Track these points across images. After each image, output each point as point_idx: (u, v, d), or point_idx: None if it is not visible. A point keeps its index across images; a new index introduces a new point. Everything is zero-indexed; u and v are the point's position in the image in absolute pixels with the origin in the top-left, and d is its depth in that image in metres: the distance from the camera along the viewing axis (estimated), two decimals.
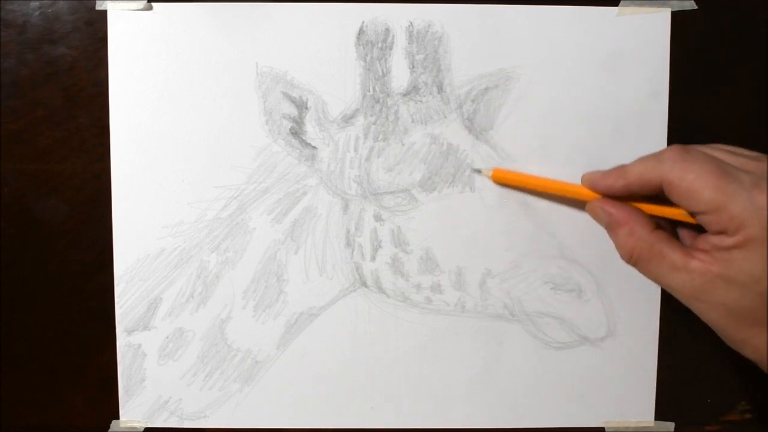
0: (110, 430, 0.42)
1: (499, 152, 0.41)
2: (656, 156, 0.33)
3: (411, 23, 0.40)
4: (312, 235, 0.41)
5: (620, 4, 0.40)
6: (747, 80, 0.41)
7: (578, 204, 0.41)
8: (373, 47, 0.40)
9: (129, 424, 0.42)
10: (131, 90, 0.40)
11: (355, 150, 0.41)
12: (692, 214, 0.32)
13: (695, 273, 0.31)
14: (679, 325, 0.42)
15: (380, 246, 0.41)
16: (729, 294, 0.30)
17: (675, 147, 0.33)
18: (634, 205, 0.35)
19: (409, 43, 0.40)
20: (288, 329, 0.42)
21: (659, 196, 0.34)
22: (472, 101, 0.41)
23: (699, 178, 0.31)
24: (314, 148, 0.41)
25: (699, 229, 0.34)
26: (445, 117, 0.41)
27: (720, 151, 0.33)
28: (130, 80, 0.40)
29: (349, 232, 0.41)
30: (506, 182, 0.40)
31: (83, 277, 0.42)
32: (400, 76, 0.40)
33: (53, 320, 0.42)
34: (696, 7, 0.40)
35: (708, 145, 0.34)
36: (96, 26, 0.40)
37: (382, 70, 0.40)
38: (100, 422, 0.42)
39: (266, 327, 0.42)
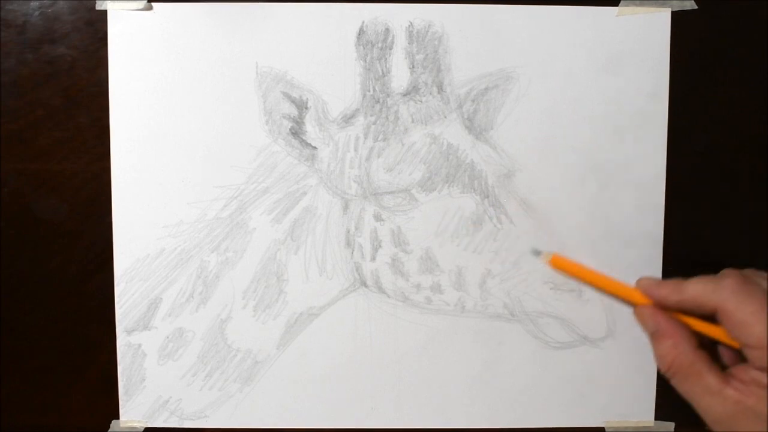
0: (110, 430, 0.42)
1: (499, 152, 0.41)
2: (716, 281, 0.33)
3: (411, 23, 0.40)
4: (312, 235, 0.41)
5: (620, 4, 0.40)
6: (747, 80, 0.41)
7: (578, 204, 0.41)
8: (373, 47, 0.40)
9: (129, 424, 0.42)
10: (131, 90, 0.40)
11: (355, 150, 0.41)
12: (740, 344, 0.33)
13: (729, 401, 0.32)
14: None
15: (380, 246, 0.41)
16: (756, 428, 0.31)
17: (735, 275, 0.33)
18: (683, 318, 0.35)
19: (409, 43, 0.40)
20: (288, 329, 0.42)
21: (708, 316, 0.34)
22: (472, 101, 0.41)
23: (754, 314, 0.31)
24: (314, 148, 0.41)
25: (740, 354, 0.34)
26: (445, 117, 0.41)
27: None
28: (130, 80, 0.40)
29: (349, 232, 0.41)
30: (562, 269, 0.40)
31: (83, 277, 0.42)
32: (400, 76, 0.40)
33: (53, 320, 0.42)
34: (696, 7, 0.40)
35: (763, 274, 0.34)
36: (96, 26, 0.40)
37: (382, 70, 0.40)
38: (100, 422, 0.42)
39: (266, 327, 0.42)
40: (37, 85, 0.41)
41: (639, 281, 0.37)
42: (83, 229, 0.41)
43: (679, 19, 0.40)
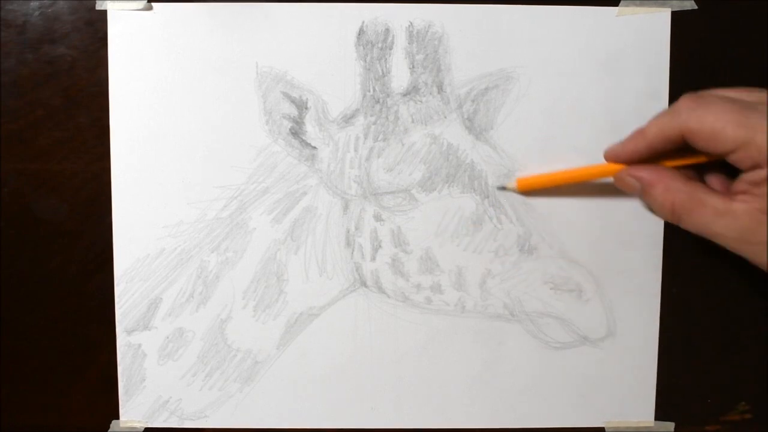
0: (110, 430, 0.42)
1: (499, 152, 0.41)
2: (671, 109, 0.33)
3: (411, 23, 0.40)
4: (312, 235, 0.41)
5: (620, 4, 0.40)
6: (747, 80, 0.41)
7: (578, 204, 0.41)
8: (373, 47, 0.40)
9: (129, 424, 0.42)
10: (131, 90, 0.40)
11: (355, 150, 0.41)
12: (721, 155, 0.32)
13: (739, 214, 0.31)
14: (679, 324, 0.42)
15: (380, 246, 0.41)
16: None
17: (687, 95, 0.32)
18: (662, 163, 0.35)
19: (409, 43, 0.40)
20: (288, 329, 0.42)
21: (682, 150, 0.34)
22: (472, 101, 0.41)
23: (719, 119, 0.30)
24: (314, 148, 0.41)
25: (729, 175, 0.33)
26: (445, 117, 0.41)
27: (731, 92, 0.33)
28: (130, 80, 0.40)
29: (349, 232, 0.41)
30: (533, 187, 0.40)
31: (83, 277, 0.42)
32: (400, 76, 0.40)
33: (53, 320, 0.42)
34: (696, 7, 0.40)
35: (718, 89, 0.34)
36: (96, 26, 0.40)
37: (382, 70, 0.40)
38: (100, 422, 0.42)
39: (266, 327, 0.42)
40: (37, 85, 0.41)
41: (605, 152, 0.37)
42: (83, 229, 0.41)
43: (679, 19, 0.40)
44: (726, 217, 0.31)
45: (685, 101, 0.32)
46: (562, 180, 0.39)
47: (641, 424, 0.42)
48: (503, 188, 0.40)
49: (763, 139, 0.29)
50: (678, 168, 0.35)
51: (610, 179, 0.37)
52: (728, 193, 0.32)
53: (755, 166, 0.30)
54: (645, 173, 0.34)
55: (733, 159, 0.31)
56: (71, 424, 0.43)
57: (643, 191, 0.35)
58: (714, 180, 0.35)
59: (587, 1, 0.40)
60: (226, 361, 0.42)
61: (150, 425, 0.42)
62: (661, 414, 0.42)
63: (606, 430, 0.42)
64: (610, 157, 0.36)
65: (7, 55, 0.41)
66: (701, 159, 0.34)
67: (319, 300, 0.41)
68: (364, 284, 0.41)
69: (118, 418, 0.42)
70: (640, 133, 0.34)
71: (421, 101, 0.41)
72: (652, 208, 0.35)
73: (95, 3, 0.40)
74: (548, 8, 0.40)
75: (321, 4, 0.40)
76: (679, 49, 0.40)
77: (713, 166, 0.35)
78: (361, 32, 0.40)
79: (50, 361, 0.42)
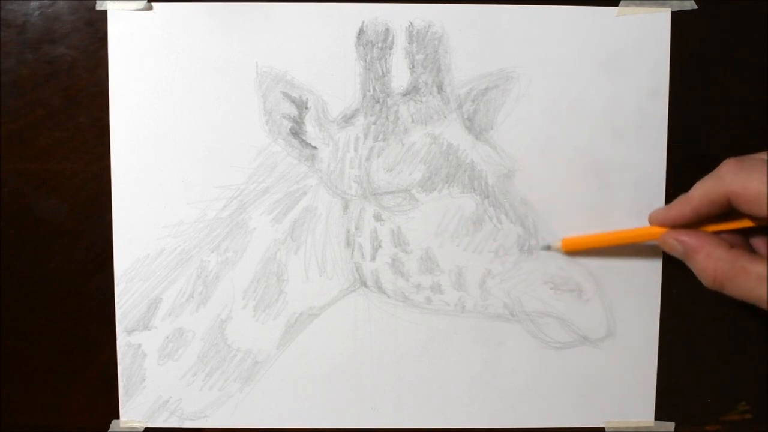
0: (110, 430, 0.42)
1: (499, 152, 0.41)
2: (714, 174, 0.34)
3: (411, 23, 0.40)
4: (312, 235, 0.41)
5: (620, 4, 0.40)
6: (747, 80, 0.41)
7: (578, 204, 0.41)
8: (373, 47, 0.40)
9: (129, 424, 0.42)
10: (131, 90, 0.40)
11: (355, 150, 0.41)
12: (764, 217, 0.32)
13: None
14: (679, 325, 0.42)
15: (380, 246, 0.41)
16: None
17: (730, 161, 0.33)
18: (707, 229, 0.35)
19: (409, 43, 0.40)
20: (288, 329, 0.42)
21: (727, 214, 0.34)
22: (472, 101, 0.41)
23: (762, 183, 0.31)
24: (314, 148, 0.41)
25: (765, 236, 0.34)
26: (445, 117, 0.41)
27: None
28: (130, 80, 0.40)
29: (349, 232, 0.41)
30: (577, 248, 0.40)
31: (83, 277, 0.42)
32: (400, 76, 0.40)
33: (53, 320, 0.42)
34: (696, 7, 0.40)
35: (757, 154, 0.34)
36: (96, 26, 0.40)
37: (382, 70, 0.40)
38: (100, 422, 0.42)
39: (266, 327, 0.42)
40: (37, 85, 0.41)
41: (650, 215, 0.37)
42: (83, 229, 0.41)
43: (679, 19, 0.40)
44: None
45: (729, 166, 0.33)
46: (607, 241, 0.39)
47: (641, 424, 0.42)
48: (548, 248, 0.40)
49: None
50: (723, 233, 0.35)
51: (654, 241, 0.38)
52: None
53: None
54: (688, 238, 0.35)
55: None
56: (71, 424, 0.43)
57: (687, 256, 0.35)
58: (760, 243, 0.36)
59: (587, 1, 0.40)
60: (226, 361, 0.42)
61: (150, 425, 0.42)
62: (661, 414, 0.42)
63: (606, 430, 0.42)
64: (656, 220, 0.37)
65: (7, 55, 0.41)
66: (746, 224, 0.34)
67: (319, 300, 0.41)
68: (364, 284, 0.41)
69: (118, 418, 0.42)
70: (685, 197, 0.35)
71: (421, 101, 0.41)
72: (695, 273, 0.35)
73: (95, 3, 0.40)
74: (548, 8, 0.40)
75: (321, 4, 0.40)
76: (679, 49, 0.40)
77: (761, 230, 0.35)
78: (361, 32, 0.40)
79: (50, 361, 0.42)
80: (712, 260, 0.34)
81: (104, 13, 0.40)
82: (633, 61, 0.40)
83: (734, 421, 0.42)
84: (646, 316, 0.41)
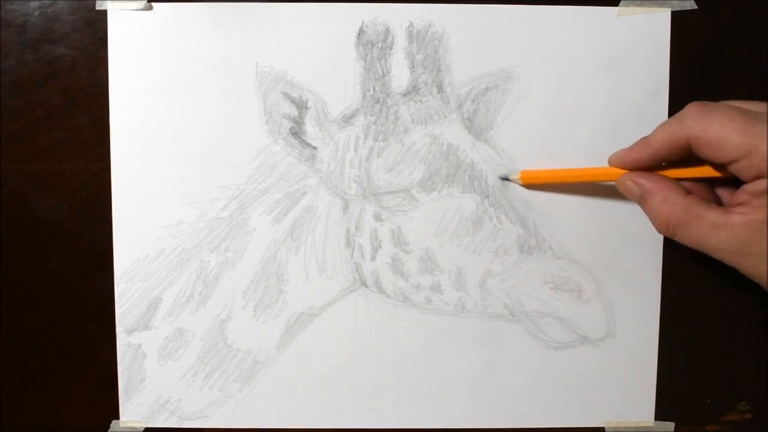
0: (110, 430, 0.42)
1: (499, 152, 0.41)
2: (677, 117, 0.33)
3: (411, 23, 0.40)
4: (312, 235, 0.41)
5: (620, 4, 0.40)
6: (747, 80, 0.41)
7: (578, 204, 0.41)
8: (373, 47, 0.40)
9: (129, 424, 0.42)
10: (131, 90, 0.40)
11: (355, 150, 0.41)
12: (725, 166, 0.31)
13: (737, 226, 0.30)
14: (679, 324, 0.42)
15: (380, 246, 0.41)
16: None
17: (694, 104, 0.32)
18: (664, 173, 0.35)
19: (409, 43, 0.40)
20: (288, 329, 0.42)
21: (686, 160, 0.34)
22: (472, 101, 0.41)
23: (724, 127, 0.30)
24: (314, 148, 0.41)
25: (733, 187, 0.33)
26: (445, 117, 0.41)
27: (738, 102, 0.33)
28: (130, 80, 0.40)
29: (349, 232, 0.41)
30: (535, 181, 0.40)
31: (83, 277, 0.42)
32: (400, 76, 0.40)
33: (53, 320, 0.42)
34: (696, 7, 0.40)
35: (724, 101, 0.34)
36: (96, 26, 0.40)
37: (382, 70, 0.40)
38: (100, 422, 0.42)
39: (266, 327, 0.42)
40: (37, 85, 0.41)
41: (610, 157, 0.37)
42: (83, 229, 0.41)
43: (679, 19, 0.40)
44: (723, 230, 0.31)
45: (691, 109, 0.32)
46: (564, 177, 0.39)
47: (641, 424, 0.42)
48: (506, 179, 0.40)
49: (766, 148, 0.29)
50: (682, 180, 0.35)
51: (612, 183, 0.37)
52: (726, 206, 0.32)
53: (757, 176, 0.30)
54: (645, 181, 0.34)
55: (735, 168, 0.31)
56: (71, 424, 0.43)
57: (642, 199, 0.35)
58: (726, 193, 0.35)
59: (587, 1, 0.40)
60: (226, 361, 0.42)
61: (150, 425, 0.42)
62: (661, 414, 0.42)
63: (606, 430, 0.42)
64: (615, 161, 0.36)
65: (7, 55, 0.41)
66: (705, 171, 0.34)
67: (319, 300, 0.41)
68: (364, 284, 0.41)
69: (118, 418, 0.42)
70: (645, 139, 0.34)
71: (421, 101, 0.41)
72: (649, 217, 0.35)
73: (95, 3, 0.40)
74: (548, 8, 0.40)
75: (321, 4, 0.40)
76: (679, 49, 0.40)
77: (728, 180, 0.35)
78: (361, 32, 0.40)
79: (50, 361, 0.42)
80: (667, 204, 0.33)
81: (104, 13, 0.40)
82: (633, 61, 0.40)
83: (734, 421, 0.42)
84: (646, 316, 0.41)
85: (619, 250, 0.41)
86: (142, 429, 0.42)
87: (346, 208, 0.41)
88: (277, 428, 0.42)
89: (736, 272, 0.41)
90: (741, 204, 0.31)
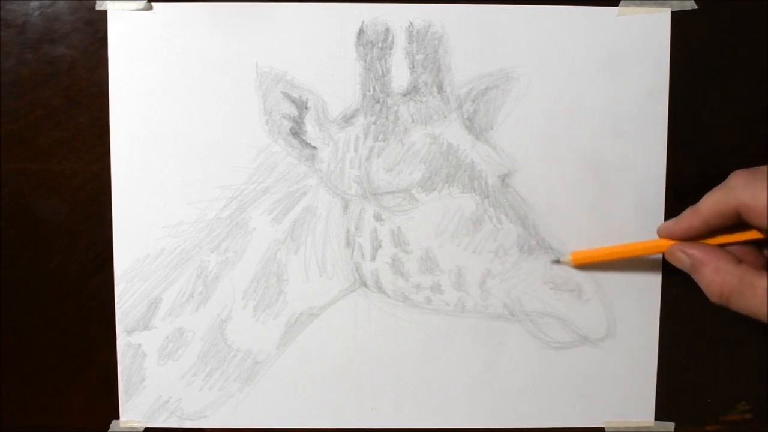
0: (110, 430, 0.42)
1: (499, 152, 0.41)
2: (724, 185, 0.33)
3: (411, 23, 0.40)
4: (312, 235, 0.41)
5: (620, 4, 0.40)
6: (747, 80, 0.41)
7: (578, 204, 0.41)
8: (373, 47, 0.40)
9: (129, 424, 0.42)
10: (131, 90, 0.40)
11: (355, 150, 0.41)
12: None
13: None
14: (679, 325, 0.42)
15: (380, 246, 0.41)
16: None
17: (740, 172, 0.33)
18: (714, 241, 0.35)
19: (409, 43, 0.40)
20: (288, 329, 0.42)
21: (736, 226, 0.34)
22: (472, 101, 0.41)
23: None
24: (314, 148, 0.41)
25: None
26: (445, 117, 0.41)
27: None
28: (130, 80, 0.40)
29: (349, 232, 0.41)
30: (587, 261, 0.40)
31: (83, 277, 0.42)
32: (400, 76, 0.40)
33: (53, 320, 0.42)
34: (696, 7, 0.40)
35: (765, 166, 0.34)
36: (96, 26, 0.40)
37: (382, 70, 0.40)
38: (100, 422, 0.42)
39: (266, 327, 0.42)
40: (37, 85, 0.41)
41: (659, 228, 0.37)
42: (83, 229, 0.41)
43: (679, 19, 0.40)
44: None
45: (739, 178, 0.33)
46: (615, 254, 0.39)
47: (641, 424, 0.42)
48: (557, 262, 0.40)
49: None
50: (733, 245, 0.35)
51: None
52: None
53: None
54: (696, 251, 0.35)
55: None
56: (71, 424, 0.43)
57: (693, 269, 0.35)
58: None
59: (587, 1, 0.40)
60: (226, 361, 0.42)
61: (150, 425, 0.42)
62: (661, 414, 0.42)
63: (606, 430, 0.42)
64: (664, 233, 0.37)
65: (7, 55, 0.41)
66: (754, 235, 0.34)
67: (319, 300, 0.41)
68: (364, 284, 0.41)
69: (118, 418, 0.42)
70: (694, 209, 0.35)
71: (421, 101, 0.41)
72: (701, 286, 0.35)
73: (95, 3, 0.40)
74: (548, 8, 0.40)
75: (321, 4, 0.40)
76: (679, 49, 0.40)
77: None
78: (361, 32, 0.40)
79: (50, 361, 0.42)
80: (719, 274, 0.33)
81: (104, 13, 0.40)
82: (633, 61, 0.40)
83: (734, 421, 0.42)
84: (646, 316, 0.41)
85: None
86: (142, 429, 0.42)
87: (346, 208, 0.41)
88: (277, 428, 0.42)
89: None
90: None
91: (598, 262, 0.40)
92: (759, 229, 0.33)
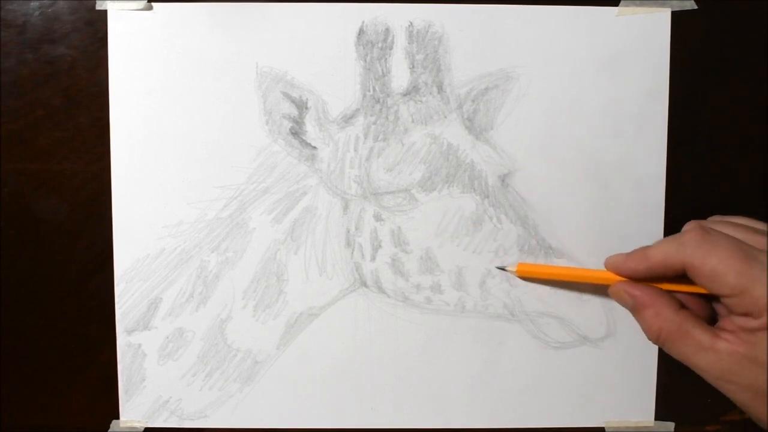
0: (110, 430, 0.42)
1: (499, 152, 0.41)
2: (677, 239, 0.33)
3: (411, 23, 0.40)
4: (312, 235, 0.41)
5: (620, 4, 0.40)
6: (747, 80, 0.41)
7: (578, 204, 0.41)
8: (373, 47, 0.40)
9: (129, 424, 0.42)
10: (131, 90, 0.40)
11: (355, 150, 0.41)
12: (716, 295, 0.32)
13: (722, 354, 0.31)
14: None
15: (380, 246, 0.41)
16: (757, 376, 0.31)
17: (695, 229, 0.33)
18: (658, 286, 0.35)
19: (409, 43, 0.40)
20: (288, 329, 0.42)
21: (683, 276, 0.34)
22: (472, 101, 0.41)
23: (722, 263, 0.31)
24: (314, 148, 0.41)
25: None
26: (445, 117, 0.41)
27: (738, 229, 0.33)
28: (130, 80, 0.40)
29: (349, 232, 0.41)
30: (531, 275, 0.40)
31: (83, 277, 0.42)
32: (400, 76, 0.40)
33: (53, 320, 0.42)
34: (696, 7, 0.40)
35: (724, 220, 0.34)
36: (96, 26, 0.40)
37: (382, 70, 0.40)
38: (100, 422, 0.42)
39: (266, 327, 0.42)
40: (37, 85, 0.41)
41: (606, 261, 0.37)
42: (83, 229, 0.41)
43: (679, 19, 0.40)
44: (709, 354, 0.32)
45: (693, 235, 0.32)
46: (560, 275, 0.39)
47: (641, 424, 0.42)
48: (503, 269, 0.40)
49: (762, 291, 0.30)
50: (674, 292, 0.35)
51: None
52: (716, 329, 0.33)
53: (747, 314, 0.31)
54: (639, 293, 0.35)
55: (726, 302, 0.32)
56: (71, 424, 0.43)
57: (635, 309, 0.35)
58: (722, 307, 0.35)
59: (587, 1, 0.40)
60: (226, 361, 0.42)
61: (150, 425, 0.42)
62: (661, 414, 0.42)
63: (606, 430, 0.42)
64: (611, 267, 0.37)
65: (7, 55, 0.41)
66: (698, 289, 0.34)
67: (319, 300, 0.41)
68: (364, 284, 0.41)
69: (118, 418, 0.42)
70: (643, 253, 0.35)
71: (421, 101, 0.41)
72: (641, 327, 0.35)
73: (95, 3, 0.40)
74: (548, 8, 0.40)
75: (321, 4, 0.40)
76: (679, 49, 0.40)
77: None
78: (361, 32, 0.40)
79: (50, 361, 0.42)
80: (659, 318, 0.34)
81: (104, 13, 0.40)
82: (633, 61, 0.40)
83: (734, 421, 0.42)
84: None
85: (619, 250, 0.41)
86: (142, 429, 0.42)
87: (346, 208, 0.41)
88: (277, 428, 0.42)
89: None
90: (729, 332, 0.32)
91: (543, 279, 0.40)
92: (705, 289, 0.33)
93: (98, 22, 0.40)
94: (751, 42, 0.41)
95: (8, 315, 0.42)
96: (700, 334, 0.32)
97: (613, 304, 0.41)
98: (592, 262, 0.41)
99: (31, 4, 0.41)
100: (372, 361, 0.42)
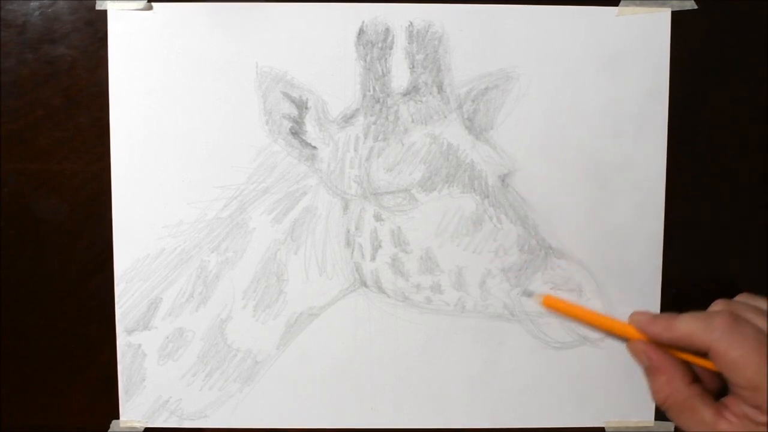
0: (110, 430, 0.42)
1: (499, 152, 0.41)
2: (706, 320, 0.33)
3: (411, 23, 0.40)
4: (312, 235, 0.41)
5: (620, 4, 0.40)
6: (747, 80, 0.41)
7: (578, 204, 0.41)
8: (373, 47, 0.40)
9: (129, 424, 0.42)
10: (131, 90, 0.40)
11: (355, 150, 0.41)
12: (731, 383, 0.33)
13: None
14: None
15: (380, 246, 0.41)
16: None
17: (725, 314, 0.33)
18: (676, 354, 0.35)
19: (409, 43, 0.40)
20: (288, 329, 0.42)
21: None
22: (472, 101, 0.41)
23: (744, 356, 0.31)
24: (314, 148, 0.41)
25: None
26: (445, 117, 0.41)
27: (765, 318, 0.33)
28: (130, 80, 0.40)
29: (349, 232, 0.41)
30: (555, 309, 0.40)
31: (83, 277, 0.42)
32: (400, 76, 0.40)
33: (53, 320, 0.42)
34: (696, 7, 0.40)
35: (752, 305, 0.34)
36: (96, 26, 0.40)
37: (382, 70, 0.40)
38: (100, 422, 0.42)
39: (266, 327, 0.42)
40: (37, 85, 0.41)
41: (632, 316, 0.37)
42: (83, 229, 0.41)
43: (679, 19, 0.40)
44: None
45: (723, 321, 0.32)
46: (584, 317, 0.39)
47: (641, 424, 0.42)
48: (529, 296, 0.40)
49: None
50: (689, 363, 0.35)
51: None
52: (721, 406, 0.33)
53: (757, 407, 0.31)
54: (656, 357, 0.36)
55: (739, 392, 0.32)
56: (71, 424, 0.43)
57: (649, 371, 0.36)
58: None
59: (587, 1, 0.40)
60: (226, 361, 0.42)
61: (150, 425, 0.42)
62: (661, 414, 0.42)
63: (606, 430, 0.42)
64: (635, 323, 0.37)
65: (7, 55, 0.41)
66: (713, 367, 0.34)
67: (319, 300, 0.41)
68: (364, 284, 0.41)
69: (118, 418, 0.42)
70: (671, 322, 0.35)
71: (421, 101, 0.41)
72: (650, 388, 0.36)
73: (95, 3, 0.40)
74: (548, 8, 0.40)
75: (321, 4, 0.40)
76: (679, 49, 0.40)
77: None
78: (361, 32, 0.40)
79: (50, 361, 0.42)
80: (669, 387, 0.35)
81: (104, 13, 0.40)
82: (633, 61, 0.40)
83: None
84: None
85: (619, 250, 0.41)
86: (142, 429, 0.42)
87: (346, 208, 0.41)
88: (277, 428, 0.42)
89: (736, 273, 0.41)
90: (734, 414, 0.32)
91: (563, 315, 0.40)
92: (721, 372, 0.33)
93: (98, 22, 0.40)
94: (751, 42, 0.41)
95: (8, 315, 0.42)
96: (704, 411, 0.33)
97: (614, 304, 0.41)
98: (592, 263, 0.41)
99: (31, 4, 0.41)
100: (372, 361, 0.42)
